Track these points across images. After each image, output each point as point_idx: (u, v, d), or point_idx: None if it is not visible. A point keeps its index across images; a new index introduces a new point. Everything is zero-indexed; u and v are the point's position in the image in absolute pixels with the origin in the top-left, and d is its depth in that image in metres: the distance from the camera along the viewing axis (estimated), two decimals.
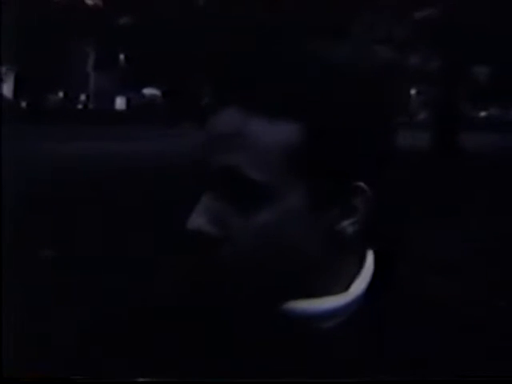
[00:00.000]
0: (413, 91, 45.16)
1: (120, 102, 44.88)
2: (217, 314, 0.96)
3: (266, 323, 0.95)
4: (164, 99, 37.26)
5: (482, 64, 25.91)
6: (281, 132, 0.90)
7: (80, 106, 43.31)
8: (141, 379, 0.96)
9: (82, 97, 45.04)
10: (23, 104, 38.96)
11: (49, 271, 5.74)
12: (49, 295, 4.83)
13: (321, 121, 0.91)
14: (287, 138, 0.90)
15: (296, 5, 17.74)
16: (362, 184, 0.93)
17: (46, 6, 24.90)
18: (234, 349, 0.95)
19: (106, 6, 24.40)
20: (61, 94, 43.84)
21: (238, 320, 0.96)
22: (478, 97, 33.87)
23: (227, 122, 0.91)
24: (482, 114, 43.85)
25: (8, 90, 40.18)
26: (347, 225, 0.94)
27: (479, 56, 22.09)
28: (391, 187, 0.97)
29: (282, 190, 0.90)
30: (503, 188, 9.86)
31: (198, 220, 0.93)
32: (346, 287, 0.96)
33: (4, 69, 36.73)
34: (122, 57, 28.87)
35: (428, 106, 33.39)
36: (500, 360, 0.94)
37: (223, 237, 0.92)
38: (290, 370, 0.93)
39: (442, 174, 13.47)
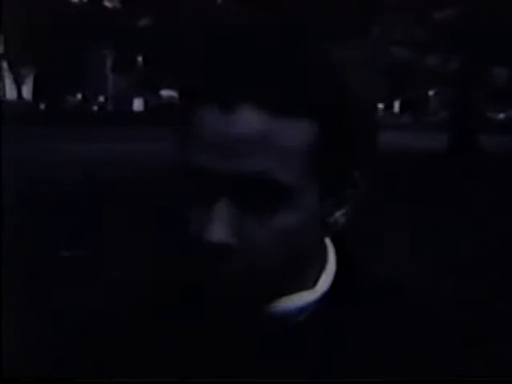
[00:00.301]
0: (432, 92, 45.21)
1: (138, 104, 45.14)
2: (219, 316, 0.94)
3: (265, 322, 0.94)
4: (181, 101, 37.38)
5: (502, 65, 25.86)
6: (302, 132, 0.89)
7: (96, 108, 43.59)
8: (141, 379, 0.94)
9: (101, 98, 45.37)
10: (42, 106, 39.31)
11: (49, 271, 5.77)
12: (48, 295, 4.87)
13: (337, 119, 0.91)
14: (308, 138, 0.90)
15: (315, 5, 17.80)
16: (357, 174, 0.93)
17: (64, 8, 25.10)
18: (234, 350, 0.93)
19: (124, 9, 24.57)
20: (79, 96, 44.18)
21: (243, 322, 0.94)
22: (497, 98, 33.86)
23: (248, 126, 0.88)
24: (501, 115, 43.84)
25: (27, 91, 40.55)
26: (339, 216, 0.94)
27: (499, 57, 22.06)
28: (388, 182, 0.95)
29: (302, 190, 0.90)
30: None
31: (219, 230, 0.88)
32: (315, 281, 0.96)
33: (24, 71, 37.12)
34: (139, 59, 29.04)
35: (447, 106, 33.39)
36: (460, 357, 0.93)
37: (242, 245, 0.89)
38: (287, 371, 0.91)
39: (459, 173, 13.47)
